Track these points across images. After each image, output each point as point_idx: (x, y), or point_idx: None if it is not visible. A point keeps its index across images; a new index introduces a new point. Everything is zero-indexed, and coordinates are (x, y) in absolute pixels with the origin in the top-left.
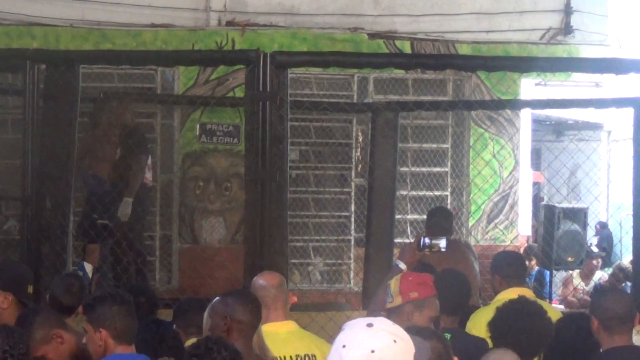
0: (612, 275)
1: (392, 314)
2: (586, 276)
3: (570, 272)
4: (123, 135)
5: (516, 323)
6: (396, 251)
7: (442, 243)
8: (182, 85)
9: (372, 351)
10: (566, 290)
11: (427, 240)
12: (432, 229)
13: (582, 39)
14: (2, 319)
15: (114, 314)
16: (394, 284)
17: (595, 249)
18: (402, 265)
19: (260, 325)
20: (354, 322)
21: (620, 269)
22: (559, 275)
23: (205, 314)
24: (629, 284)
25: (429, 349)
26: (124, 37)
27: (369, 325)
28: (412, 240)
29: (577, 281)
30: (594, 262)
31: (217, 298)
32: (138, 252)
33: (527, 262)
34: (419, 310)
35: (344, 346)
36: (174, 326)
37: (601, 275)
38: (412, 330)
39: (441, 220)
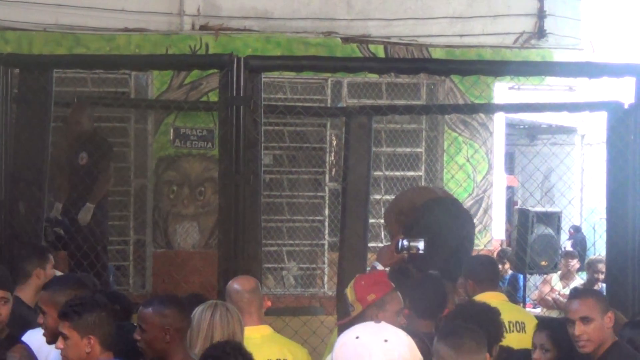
0: (589, 273)
1: (358, 322)
2: (566, 278)
3: (551, 274)
4: (85, 141)
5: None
6: (370, 255)
7: (420, 245)
8: (155, 90)
9: (385, 340)
10: (544, 288)
11: (404, 242)
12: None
13: (556, 43)
14: None
15: (102, 321)
16: (350, 293)
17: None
18: (380, 267)
19: (242, 332)
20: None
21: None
22: (537, 278)
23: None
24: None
25: None
26: (98, 42)
27: (377, 321)
28: (390, 243)
29: (557, 286)
30: (570, 261)
31: (147, 308)
32: (97, 256)
33: (500, 266)
34: (381, 309)
35: (357, 337)
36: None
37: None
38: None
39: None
